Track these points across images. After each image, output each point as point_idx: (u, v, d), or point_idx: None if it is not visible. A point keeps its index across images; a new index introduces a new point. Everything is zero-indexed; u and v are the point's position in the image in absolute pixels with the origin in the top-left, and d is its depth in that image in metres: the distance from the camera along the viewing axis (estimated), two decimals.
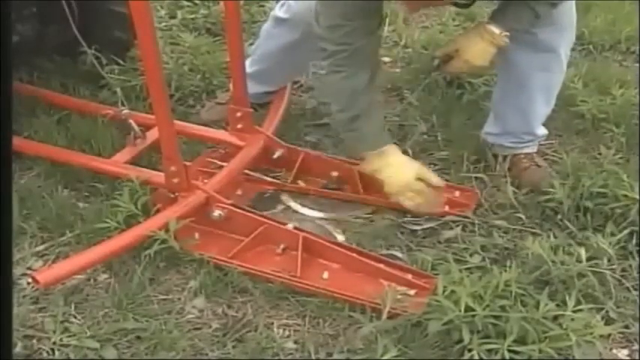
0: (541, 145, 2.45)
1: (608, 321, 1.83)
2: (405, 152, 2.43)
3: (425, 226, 2.16)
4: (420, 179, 2.14)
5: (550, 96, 2.32)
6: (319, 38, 2.09)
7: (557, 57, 2.22)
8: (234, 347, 1.78)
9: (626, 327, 1.85)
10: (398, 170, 2.15)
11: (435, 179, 2.16)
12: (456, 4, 2.18)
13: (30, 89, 2.62)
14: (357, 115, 2.12)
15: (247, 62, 2.51)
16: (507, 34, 2.06)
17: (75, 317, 1.85)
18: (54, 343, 1.77)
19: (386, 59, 3.07)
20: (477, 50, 2.10)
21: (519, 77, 2.25)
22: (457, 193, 2.26)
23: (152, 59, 1.91)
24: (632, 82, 2.81)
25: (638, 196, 2.07)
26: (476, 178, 2.32)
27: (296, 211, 2.22)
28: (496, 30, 2.06)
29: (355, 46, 2.04)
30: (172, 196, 2.09)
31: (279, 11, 2.45)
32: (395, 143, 2.46)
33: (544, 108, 2.33)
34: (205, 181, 2.17)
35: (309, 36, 2.29)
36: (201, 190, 2.08)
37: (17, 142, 2.26)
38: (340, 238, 2.12)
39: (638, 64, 3.09)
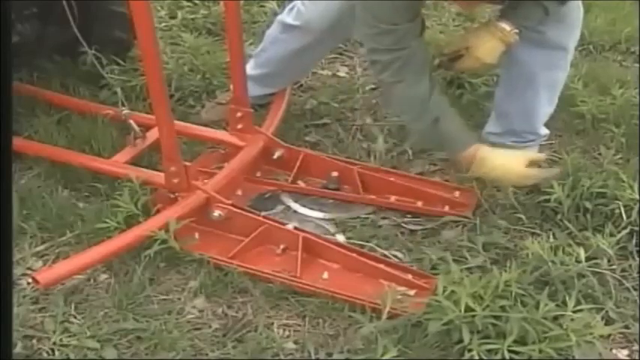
0: (541, 145, 2.45)
1: (608, 321, 1.83)
2: (405, 152, 2.44)
3: (425, 226, 2.16)
4: (529, 162, 2.08)
5: (554, 95, 2.32)
6: (368, 52, 2.07)
7: (564, 54, 2.23)
8: (234, 347, 1.78)
9: (626, 327, 1.85)
10: (508, 164, 2.08)
11: (537, 156, 2.18)
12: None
13: (30, 89, 2.62)
14: (437, 118, 2.06)
15: (250, 64, 2.52)
16: (517, 31, 2.06)
17: (75, 317, 1.85)
18: (54, 343, 1.77)
19: None
20: (488, 47, 2.10)
21: (526, 75, 2.24)
22: (457, 193, 2.26)
23: (152, 59, 1.91)
24: (632, 82, 2.81)
25: (638, 196, 2.07)
26: (476, 178, 2.32)
27: (296, 212, 2.22)
28: (507, 27, 2.06)
29: (407, 51, 2.00)
30: (172, 196, 2.09)
31: (287, 17, 2.41)
32: (394, 143, 2.48)
33: (547, 107, 2.34)
34: (205, 181, 2.17)
35: (320, 42, 2.28)
36: (201, 190, 2.08)
37: (17, 142, 2.25)
38: (340, 238, 2.12)
39: (638, 64, 3.08)
